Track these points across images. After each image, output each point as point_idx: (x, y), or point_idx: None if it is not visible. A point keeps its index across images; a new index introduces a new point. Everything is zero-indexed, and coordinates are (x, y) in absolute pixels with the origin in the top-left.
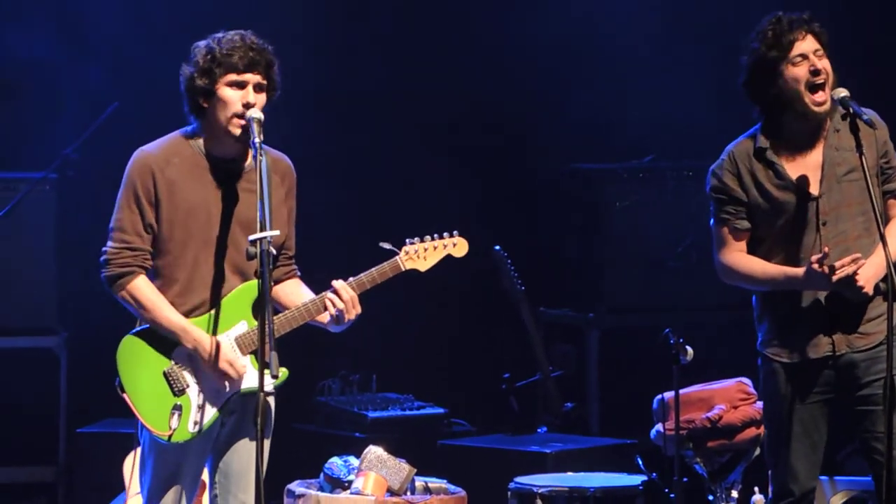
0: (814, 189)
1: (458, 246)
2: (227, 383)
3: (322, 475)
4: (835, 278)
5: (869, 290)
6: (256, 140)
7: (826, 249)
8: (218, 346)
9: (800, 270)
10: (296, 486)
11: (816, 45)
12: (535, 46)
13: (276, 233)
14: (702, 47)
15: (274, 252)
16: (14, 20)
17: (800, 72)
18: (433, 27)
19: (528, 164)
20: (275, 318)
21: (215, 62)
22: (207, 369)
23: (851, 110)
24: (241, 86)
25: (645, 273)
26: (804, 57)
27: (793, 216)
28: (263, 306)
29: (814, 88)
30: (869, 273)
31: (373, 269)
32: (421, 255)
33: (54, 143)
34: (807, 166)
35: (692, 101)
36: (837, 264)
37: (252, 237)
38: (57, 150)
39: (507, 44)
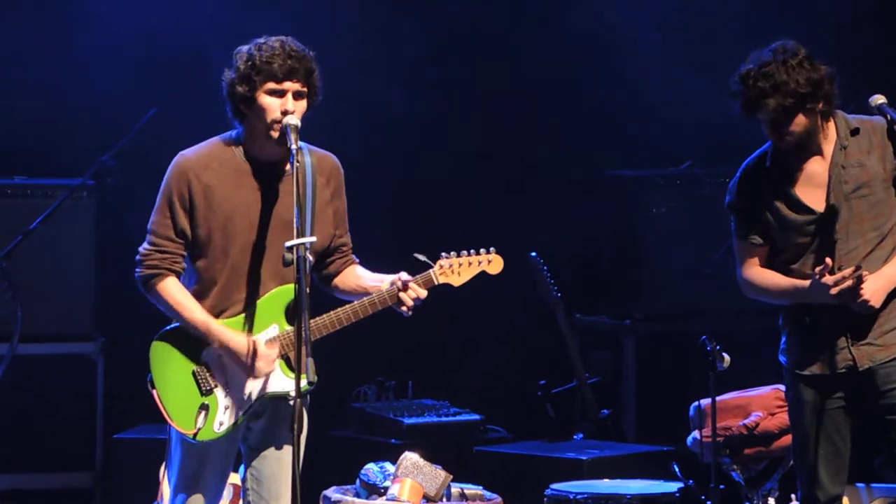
0: (820, 208)
1: (493, 263)
2: (254, 385)
3: (358, 481)
4: (833, 291)
5: (875, 302)
6: (293, 147)
7: (829, 261)
8: (246, 346)
9: (807, 283)
10: (332, 493)
11: (782, 106)
12: (568, 50)
13: (313, 239)
14: (737, 50)
15: (311, 259)
16: (50, 25)
17: (767, 130)
18: (469, 34)
19: (564, 171)
20: (324, 315)
21: (255, 69)
22: (234, 369)
23: (889, 117)
24: (280, 93)
25: (681, 279)
26: (768, 122)
27: (804, 234)
28: (299, 311)
29: (780, 140)
30: (876, 285)
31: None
32: (455, 269)
33: (92, 149)
34: (814, 185)
35: (727, 106)
36: (838, 276)
37: (288, 244)
38: (95, 156)
39: (542, 49)
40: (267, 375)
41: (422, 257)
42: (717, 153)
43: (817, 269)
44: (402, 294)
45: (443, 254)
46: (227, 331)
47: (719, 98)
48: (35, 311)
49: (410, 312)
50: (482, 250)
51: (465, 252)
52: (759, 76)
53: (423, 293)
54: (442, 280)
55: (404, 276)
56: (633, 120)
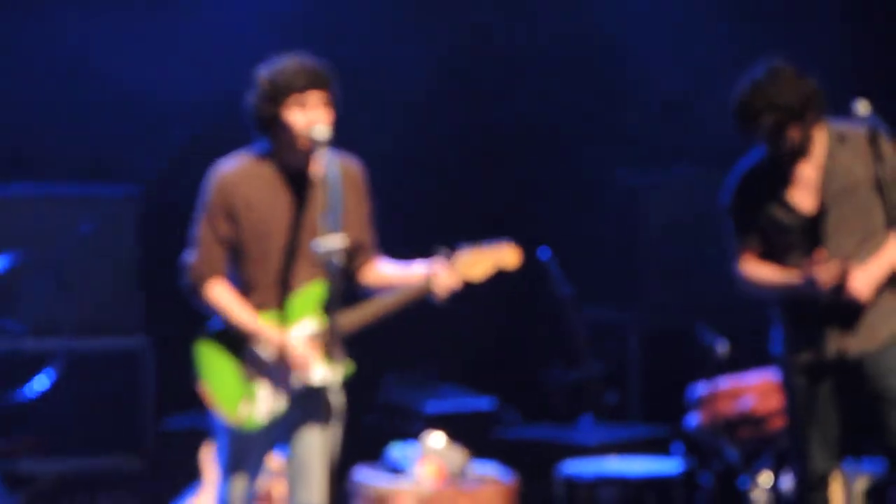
0: (812, 210)
1: (508, 254)
2: (292, 379)
3: (384, 462)
4: (819, 283)
5: (862, 295)
6: (322, 155)
7: (823, 253)
8: (287, 343)
9: (797, 277)
10: (360, 472)
11: (776, 121)
12: (567, 51)
13: (342, 241)
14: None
15: (344, 255)
16: (102, 39)
17: (763, 141)
18: (482, 36)
19: (573, 171)
20: (358, 309)
21: (278, 86)
22: (276, 364)
23: (871, 125)
24: (303, 105)
25: (682, 274)
26: (764, 135)
27: (795, 234)
28: (332, 307)
29: (776, 150)
30: (862, 279)
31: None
32: (472, 263)
33: (141, 159)
34: (806, 189)
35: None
36: (822, 271)
37: (318, 244)
38: (143, 166)
39: (545, 50)
40: (304, 369)
41: (443, 252)
42: (715, 153)
43: (808, 262)
44: (438, 284)
45: (459, 245)
46: (271, 329)
47: (717, 97)
48: (89, 309)
49: (445, 301)
50: (501, 243)
51: (483, 243)
52: (754, 94)
53: (458, 283)
54: (463, 271)
55: (443, 265)
56: (632, 119)
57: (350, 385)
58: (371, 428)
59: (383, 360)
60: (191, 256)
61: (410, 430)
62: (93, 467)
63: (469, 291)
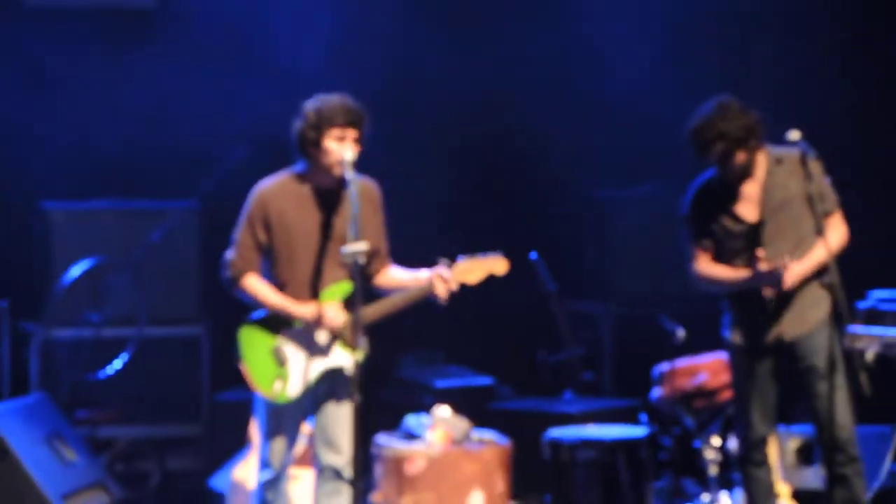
0: (755, 219)
1: (498, 263)
2: (318, 360)
3: (401, 429)
4: (763, 268)
5: (789, 283)
6: (349, 178)
7: (762, 252)
8: (319, 307)
9: (747, 272)
10: (381, 438)
11: (725, 149)
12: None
13: (365, 245)
14: (707, 74)
15: (365, 258)
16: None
17: (714, 165)
18: (467, 55)
19: (557, 188)
20: (375, 304)
21: (323, 119)
22: (305, 344)
23: (803, 150)
24: (341, 138)
25: (647, 273)
26: (715, 160)
27: (741, 239)
28: (354, 301)
29: (726, 172)
30: (793, 272)
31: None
32: (469, 270)
33: (200, 180)
34: (749, 202)
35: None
36: (769, 265)
37: (344, 249)
38: (202, 185)
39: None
40: (329, 352)
41: (444, 261)
42: (676, 170)
43: (759, 258)
44: (439, 287)
45: (459, 257)
46: (300, 304)
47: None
48: (156, 302)
49: (445, 301)
50: (491, 254)
51: (478, 255)
52: (706, 126)
53: (455, 286)
54: (460, 278)
55: (443, 272)
56: (603, 139)
57: (372, 366)
58: (390, 401)
59: (401, 345)
60: (231, 255)
61: (423, 402)
62: (160, 433)
63: (471, 289)
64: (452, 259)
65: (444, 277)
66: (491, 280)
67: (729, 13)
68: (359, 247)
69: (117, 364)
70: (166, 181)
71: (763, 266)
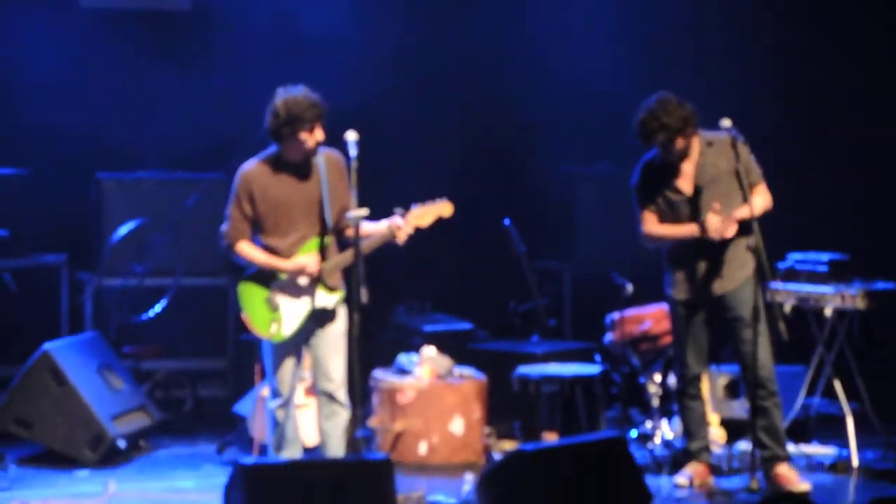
0: (690, 192)
1: (445, 207)
2: (305, 303)
3: (394, 366)
4: (713, 219)
5: (729, 233)
6: (315, 154)
7: (717, 206)
8: (298, 262)
9: (691, 225)
10: (377, 373)
11: (666, 137)
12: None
13: (365, 211)
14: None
15: (336, 217)
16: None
17: (658, 149)
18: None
19: (531, 162)
20: (345, 252)
21: (295, 119)
22: (293, 290)
23: (732, 135)
24: (311, 131)
25: (603, 237)
26: (658, 146)
27: (679, 207)
28: (356, 254)
29: (667, 155)
30: (733, 217)
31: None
32: (421, 216)
33: (225, 153)
34: (686, 177)
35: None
36: (713, 218)
37: (349, 215)
38: (230, 158)
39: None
40: (313, 296)
41: (399, 210)
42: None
43: (714, 210)
44: (398, 232)
45: (413, 205)
46: (283, 260)
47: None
48: (190, 257)
49: (403, 243)
50: (438, 200)
51: (428, 202)
52: (649, 118)
53: (411, 230)
54: (414, 222)
55: (399, 219)
56: (582, 123)
57: (372, 313)
58: (386, 342)
59: (396, 295)
60: (224, 227)
61: (413, 343)
62: (193, 366)
63: (454, 249)
64: (406, 208)
65: (400, 224)
66: (471, 241)
67: (680, 8)
68: (361, 213)
69: (157, 308)
70: (200, 158)
71: (713, 216)
